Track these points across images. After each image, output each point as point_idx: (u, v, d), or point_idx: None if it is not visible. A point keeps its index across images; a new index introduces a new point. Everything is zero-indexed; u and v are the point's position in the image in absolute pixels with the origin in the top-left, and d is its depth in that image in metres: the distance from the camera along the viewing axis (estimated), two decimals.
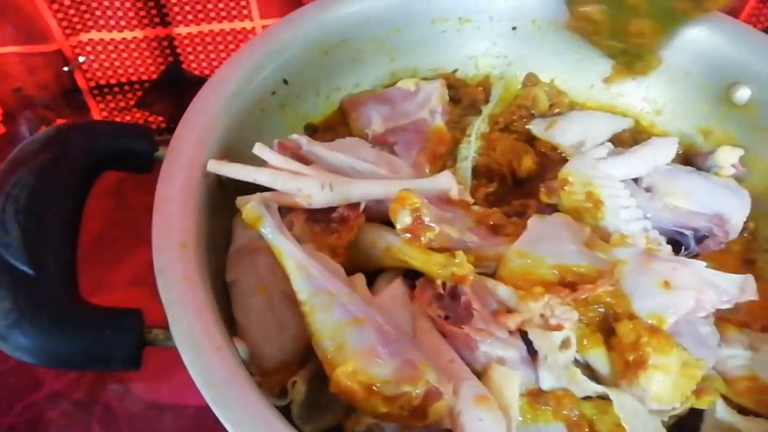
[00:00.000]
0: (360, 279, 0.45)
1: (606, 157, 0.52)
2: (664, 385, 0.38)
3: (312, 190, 0.44)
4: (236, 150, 0.47)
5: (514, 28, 0.65)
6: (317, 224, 0.46)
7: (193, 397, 0.52)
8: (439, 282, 0.43)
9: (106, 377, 0.56)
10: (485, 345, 0.40)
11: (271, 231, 0.42)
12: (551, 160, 0.59)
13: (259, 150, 0.46)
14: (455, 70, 0.67)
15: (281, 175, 0.45)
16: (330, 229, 0.45)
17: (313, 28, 0.57)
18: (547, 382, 0.40)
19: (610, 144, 0.54)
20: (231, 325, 0.41)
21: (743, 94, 0.57)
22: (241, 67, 0.51)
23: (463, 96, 0.66)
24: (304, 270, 0.40)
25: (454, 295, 0.43)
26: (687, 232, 0.51)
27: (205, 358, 0.33)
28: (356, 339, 0.37)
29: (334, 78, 0.60)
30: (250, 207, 0.42)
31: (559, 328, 0.39)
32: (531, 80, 0.67)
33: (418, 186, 0.47)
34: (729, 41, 0.58)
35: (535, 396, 0.40)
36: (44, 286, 0.33)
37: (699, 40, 0.59)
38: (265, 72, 0.53)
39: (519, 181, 0.59)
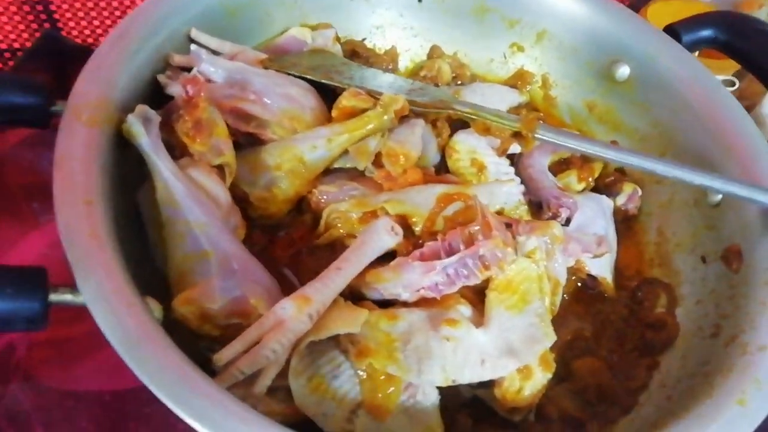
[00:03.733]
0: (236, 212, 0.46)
1: None
2: None
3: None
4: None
5: (419, 1, 0.67)
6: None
7: (109, 382, 0.50)
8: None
9: (9, 371, 0.52)
10: None
11: (147, 146, 0.42)
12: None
13: (195, 34, 0.52)
14: (364, 39, 0.68)
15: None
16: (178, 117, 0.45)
17: None
18: None
19: None
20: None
21: (623, 71, 0.63)
22: (143, 22, 0.49)
23: (374, 64, 0.67)
24: (170, 193, 0.42)
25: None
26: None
27: (117, 314, 0.33)
28: (198, 271, 0.40)
29: (241, 39, 0.58)
30: (128, 120, 0.42)
31: None
32: (435, 52, 0.70)
33: None
34: (610, 21, 0.63)
35: None
36: None
37: (585, 19, 0.64)
38: (169, 29, 0.51)
39: None
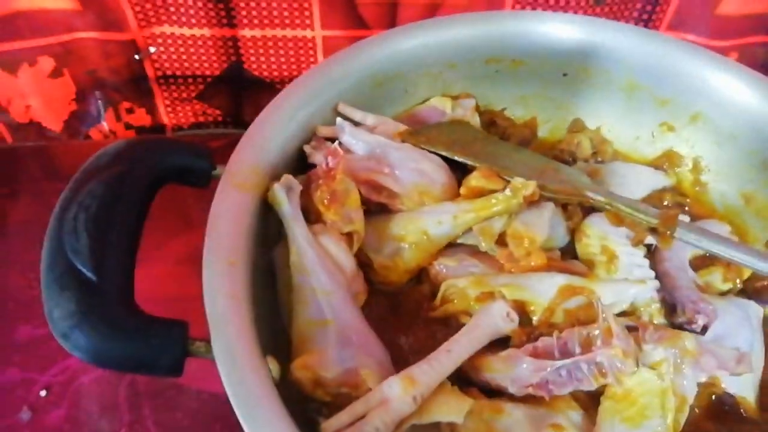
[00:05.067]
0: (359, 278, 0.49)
1: None
2: None
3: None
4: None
5: (564, 74, 0.66)
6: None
7: (208, 384, 0.58)
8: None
9: None
10: None
11: (287, 214, 0.46)
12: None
13: (342, 107, 0.56)
14: (504, 109, 0.69)
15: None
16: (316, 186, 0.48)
17: (371, 61, 0.59)
18: None
19: None
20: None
21: None
22: (296, 96, 0.53)
23: (511, 134, 0.67)
24: (301, 259, 0.45)
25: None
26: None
27: (240, 375, 0.36)
28: (317, 338, 0.42)
29: (383, 108, 0.61)
30: (274, 188, 0.46)
31: None
32: (577, 125, 0.68)
33: None
34: None
35: None
36: (104, 292, 0.36)
37: (748, 105, 0.59)
38: (319, 102, 0.55)
39: None
